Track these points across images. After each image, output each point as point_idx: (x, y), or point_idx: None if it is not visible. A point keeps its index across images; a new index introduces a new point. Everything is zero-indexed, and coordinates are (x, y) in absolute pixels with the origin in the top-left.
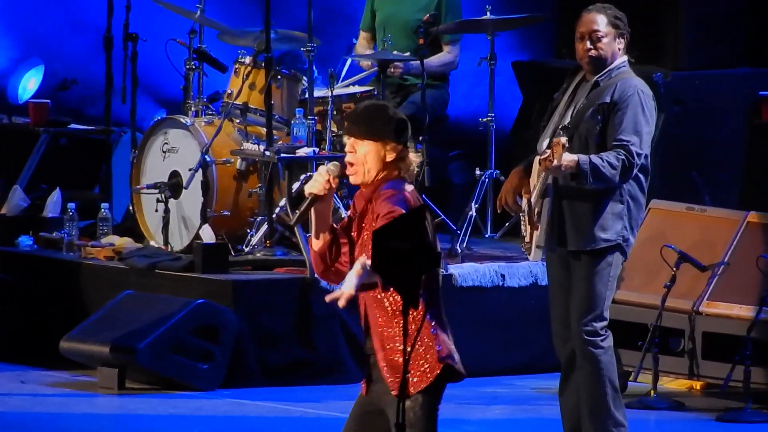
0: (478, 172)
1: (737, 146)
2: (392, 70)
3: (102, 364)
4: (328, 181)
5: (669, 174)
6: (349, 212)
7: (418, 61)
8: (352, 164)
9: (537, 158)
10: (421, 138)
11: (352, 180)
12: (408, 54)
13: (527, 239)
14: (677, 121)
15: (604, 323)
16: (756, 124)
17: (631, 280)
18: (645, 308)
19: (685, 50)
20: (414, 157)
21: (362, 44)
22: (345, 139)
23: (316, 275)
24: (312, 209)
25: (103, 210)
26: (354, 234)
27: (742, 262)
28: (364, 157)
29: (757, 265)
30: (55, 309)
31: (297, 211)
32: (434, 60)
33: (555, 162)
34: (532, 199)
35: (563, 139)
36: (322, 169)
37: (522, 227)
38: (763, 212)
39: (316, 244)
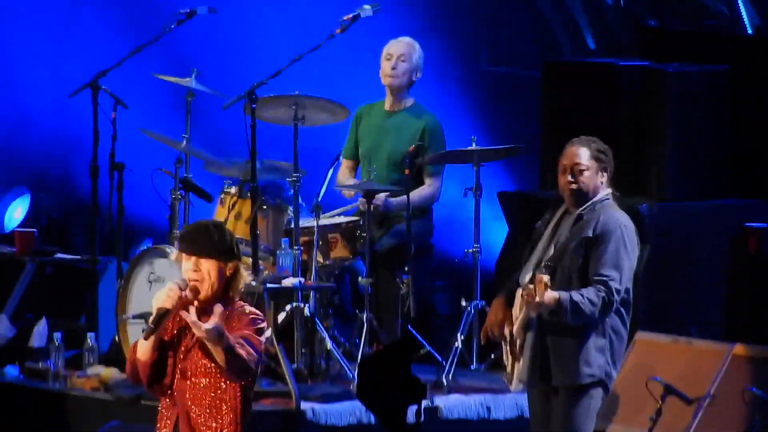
0: (463, 303)
1: (723, 277)
2: (376, 202)
3: None
4: (179, 295)
5: (655, 305)
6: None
7: (399, 198)
8: (197, 281)
9: (519, 290)
10: (406, 268)
11: (200, 296)
12: (392, 185)
13: (509, 370)
14: (663, 252)
15: None
16: (741, 255)
17: (617, 413)
18: None
19: (670, 181)
20: (245, 274)
21: (344, 173)
22: (183, 257)
23: (299, 407)
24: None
25: (89, 340)
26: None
27: (728, 394)
28: (209, 275)
29: (742, 398)
30: None
31: (150, 326)
32: (415, 195)
33: (537, 299)
34: (515, 331)
35: (545, 278)
36: (171, 284)
37: (504, 357)
38: (749, 344)
39: (146, 354)
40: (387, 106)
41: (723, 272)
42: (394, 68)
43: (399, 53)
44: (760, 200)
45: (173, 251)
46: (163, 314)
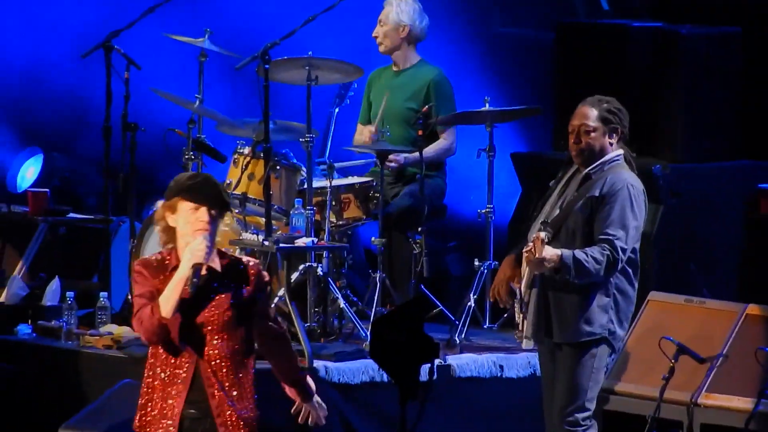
0: (476, 263)
1: (736, 238)
2: (390, 163)
3: None
4: (207, 247)
5: (668, 266)
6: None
7: (415, 154)
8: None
9: (526, 248)
10: (419, 229)
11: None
12: (405, 145)
13: (520, 327)
14: (676, 213)
15: (587, 414)
16: (755, 217)
17: (630, 372)
18: (643, 400)
19: (684, 143)
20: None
21: (358, 138)
22: (192, 208)
23: (312, 365)
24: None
25: (101, 299)
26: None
27: (740, 354)
28: (215, 226)
29: (755, 358)
30: (54, 397)
31: (194, 281)
32: (431, 148)
33: (536, 256)
34: (522, 289)
35: (543, 234)
36: (202, 239)
37: (516, 315)
38: (763, 305)
39: (173, 311)
40: (394, 66)
41: (736, 233)
42: (376, 36)
43: (379, 19)
44: None
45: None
46: (196, 270)
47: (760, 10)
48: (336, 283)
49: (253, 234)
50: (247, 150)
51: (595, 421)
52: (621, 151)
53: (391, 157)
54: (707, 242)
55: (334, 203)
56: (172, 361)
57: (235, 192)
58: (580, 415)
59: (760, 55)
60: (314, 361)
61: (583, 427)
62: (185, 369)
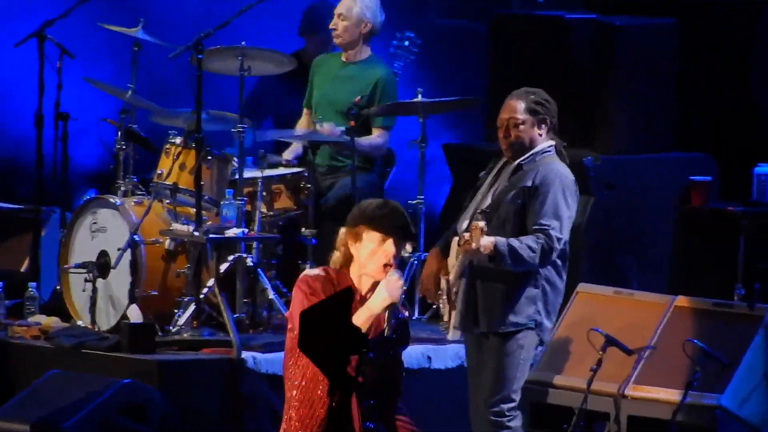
0: (406, 254)
1: (667, 230)
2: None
3: None
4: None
5: (598, 258)
6: None
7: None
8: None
9: (456, 238)
10: None
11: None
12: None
13: (446, 318)
14: (607, 205)
15: (512, 404)
16: (686, 209)
17: (558, 364)
18: (571, 391)
19: (618, 135)
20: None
21: (302, 122)
22: (390, 243)
23: (240, 356)
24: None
25: (30, 289)
26: None
27: (669, 346)
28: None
29: (683, 350)
30: None
31: (387, 324)
32: (364, 140)
33: (473, 245)
34: (451, 280)
35: (481, 224)
36: (399, 278)
37: (441, 307)
38: (692, 297)
39: None
40: (343, 57)
41: (667, 225)
42: (334, 28)
43: (339, 12)
44: (706, 154)
45: (117, 200)
46: (395, 308)
47: (695, 2)
48: (266, 273)
49: (183, 224)
50: (178, 140)
51: (520, 412)
52: (552, 142)
53: (326, 130)
54: (639, 234)
55: (265, 194)
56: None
57: (165, 182)
58: (505, 406)
59: (695, 47)
60: (242, 352)
61: (508, 418)
62: None
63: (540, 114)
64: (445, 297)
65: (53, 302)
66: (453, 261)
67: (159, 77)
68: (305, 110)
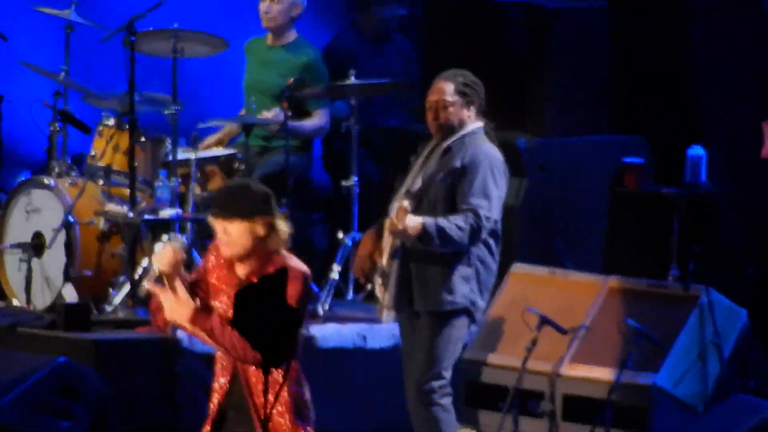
0: (340, 235)
1: (601, 212)
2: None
3: None
4: (175, 258)
5: (532, 239)
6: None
7: (292, 123)
8: (228, 243)
9: (386, 221)
10: (284, 201)
11: (228, 254)
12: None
13: (381, 300)
14: (541, 186)
15: (443, 382)
16: (619, 191)
17: (493, 343)
18: (506, 370)
19: (550, 117)
20: (284, 225)
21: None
22: (213, 221)
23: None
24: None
25: None
26: (205, 296)
27: (603, 325)
28: (239, 237)
29: (618, 330)
30: None
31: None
32: (307, 124)
33: (399, 226)
34: (384, 261)
35: (405, 203)
36: (163, 246)
37: (377, 289)
38: (625, 277)
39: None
40: (269, 40)
41: (601, 207)
42: (267, 12)
43: None
44: (639, 136)
45: (51, 181)
46: (160, 277)
47: None
48: (200, 254)
49: (117, 205)
50: (112, 121)
51: (451, 390)
52: (480, 123)
53: (272, 117)
54: (572, 215)
55: (198, 175)
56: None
57: (99, 163)
58: (436, 383)
59: (628, 29)
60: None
61: (439, 394)
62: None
63: (468, 96)
64: (379, 279)
65: None
66: (386, 243)
67: (92, 59)
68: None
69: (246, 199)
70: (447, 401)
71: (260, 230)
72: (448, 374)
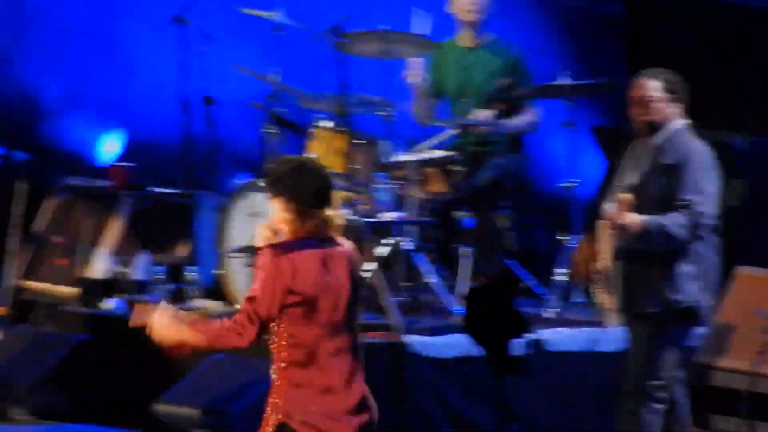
0: (560, 237)
1: None
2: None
3: (193, 427)
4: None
5: (752, 240)
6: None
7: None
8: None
9: (601, 222)
10: (505, 204)
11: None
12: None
13: (606, 304)
14: (759, 187)
15: (660, 382)
16: None
17: (722, 346)
18: (737, 374)
19: (763, 117)
20: (322, 215)
21: (419, 108)
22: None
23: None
24: None
25: (190, 273)
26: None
27: None
28: (281, 213)
29: None
30: (144, 372)
31: None
32: (519, 120)
33: (620, 221)
34: (605, 264)
35: (628, 196)
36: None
37: (600, 292)
38: None
39: None
40: (466, 42)
41: None
42: (476, 3)
43: None
44: None
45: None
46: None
47: None
48: (424, 257)
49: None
50: (326, 124)
51: (666, 393)
52: (685, 121)
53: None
54: None
55: (417, 177)
56: None
57: None
58: (653, 384)
59: None
60: (405, 335)
61: (653, 397)
62: None
63: (673, 92)
64: (602, 283)
65: (214, 286)
66: (603, 246)
67: (304, 61)
68: (425, 97)
69: (283, 177)
70: (659, 406)
71: (288, 213)
72: (665, 375)
